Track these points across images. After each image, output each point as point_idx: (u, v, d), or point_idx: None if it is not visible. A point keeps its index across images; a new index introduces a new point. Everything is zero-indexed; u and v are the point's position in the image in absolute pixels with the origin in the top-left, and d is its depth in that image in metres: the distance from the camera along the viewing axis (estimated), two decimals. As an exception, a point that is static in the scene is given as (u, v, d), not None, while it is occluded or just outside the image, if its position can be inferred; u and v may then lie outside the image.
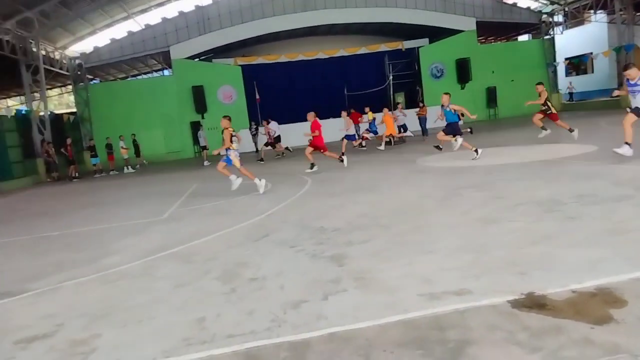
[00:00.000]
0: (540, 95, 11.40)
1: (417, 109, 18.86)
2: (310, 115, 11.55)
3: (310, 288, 3.56)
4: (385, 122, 15.52)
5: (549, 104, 11.30)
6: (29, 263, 5.53)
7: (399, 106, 18.97)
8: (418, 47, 26.05)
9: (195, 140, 21.95)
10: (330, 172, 10.93)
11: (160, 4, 24.82)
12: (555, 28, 27.81)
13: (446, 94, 10.53)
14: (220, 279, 4.05)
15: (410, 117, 18.56)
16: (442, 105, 10.37)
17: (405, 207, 6.14)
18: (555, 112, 11.47)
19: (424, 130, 17.92)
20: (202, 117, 23.52)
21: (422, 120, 17.92)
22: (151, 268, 4.65)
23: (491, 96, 26.19)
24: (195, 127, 21.70)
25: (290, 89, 25.04)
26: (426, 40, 26.66)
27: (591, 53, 26.83)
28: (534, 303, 2.83)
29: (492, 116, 26.43)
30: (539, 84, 11.63)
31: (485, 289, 3.14)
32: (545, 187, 6.22)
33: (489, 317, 2.73)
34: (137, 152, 21.04)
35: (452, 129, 10.48)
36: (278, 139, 17.62)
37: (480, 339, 2.49)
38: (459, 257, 3.85)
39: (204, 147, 18.78)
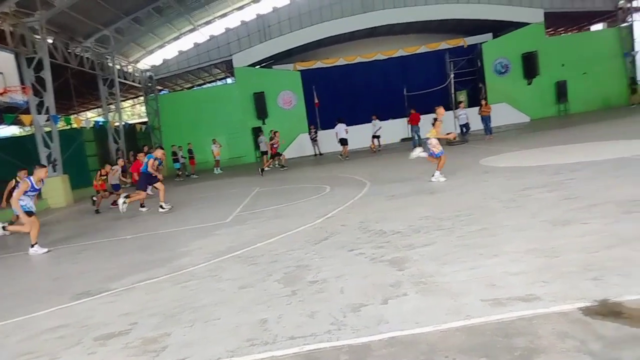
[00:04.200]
0: None
1: (480, 107, 18.25)
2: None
3: (370, 292, 3.55)
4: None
5: None
6: (107, 264, 5.94)
7: (461, 105, 18.45)
8: (481, 43, 25.24)
9: (257, 146, 22.53)
10: (388, 175, 10.82)
11: (224, 15, 25.92)
12: (633, 14, 25.81)
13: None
14: (282, 281, 4.14)
15: (472, 116, 18.02)
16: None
17: (469, 209, 5.94)
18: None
19: (488, 129, 17.28)
20: (263, 123, 24.19)
21: (486, 118, 17.30)
22: (218, 269, 4.84)
23: (561, 91, 24.84)
24: (257, 132, 22.28)
25: (349, 92, 25.11)
26: (489, 35, 25.77)
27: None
28: (609, 311, 2.66)
29: (562, 112, 25.05)
30: None
31: (554, 295, 2.98)
32: (623, 187, 5.80)
33: (559, 325, 2.60)
34: (192, 161, 21.47)
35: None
36: (344, 141, 17.68)
37: (549, 347, 2.38)
38: (526, 261, 3.69)
39: (265, 153, 19.21)
